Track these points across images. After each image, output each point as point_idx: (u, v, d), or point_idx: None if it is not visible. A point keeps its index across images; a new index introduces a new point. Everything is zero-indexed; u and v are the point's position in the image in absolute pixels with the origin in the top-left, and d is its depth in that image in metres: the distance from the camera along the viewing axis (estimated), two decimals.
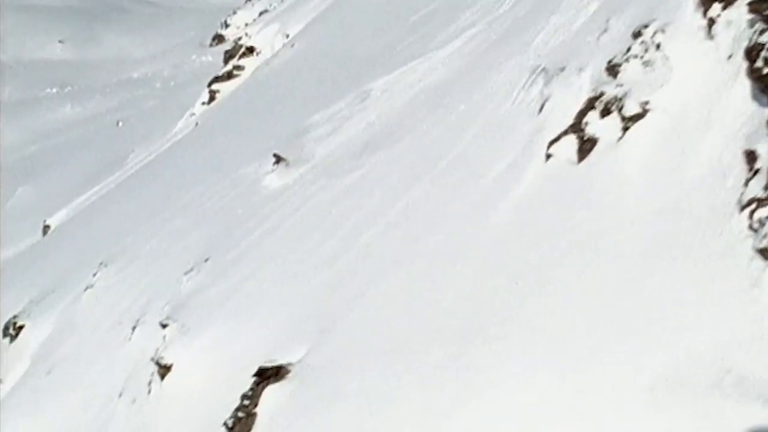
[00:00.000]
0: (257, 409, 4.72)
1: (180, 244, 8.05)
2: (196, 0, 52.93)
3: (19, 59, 42.23)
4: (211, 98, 20.82)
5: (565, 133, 4.40)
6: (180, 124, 21.14)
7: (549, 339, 3.64)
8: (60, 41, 43.96)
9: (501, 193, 4.55)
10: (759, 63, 3.56)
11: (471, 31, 7.20)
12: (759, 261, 3.17)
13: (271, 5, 34.79)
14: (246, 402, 4.80)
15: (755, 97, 3.58)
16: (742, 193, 3.39)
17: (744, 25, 3.75)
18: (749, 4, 3.74)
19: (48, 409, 7.82)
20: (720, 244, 3.37)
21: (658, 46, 4.09)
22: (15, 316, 10.53)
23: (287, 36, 19.56)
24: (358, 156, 6.65)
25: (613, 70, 4.29)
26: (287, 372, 4.67)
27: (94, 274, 9.30)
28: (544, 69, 5.12)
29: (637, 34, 4.24)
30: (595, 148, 4.19)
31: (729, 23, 3.84)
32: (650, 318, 3.37)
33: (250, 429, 4.68)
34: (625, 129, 4.07)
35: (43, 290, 10.75)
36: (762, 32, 3.58)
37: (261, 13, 32.49)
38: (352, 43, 11.78)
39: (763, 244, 3.18)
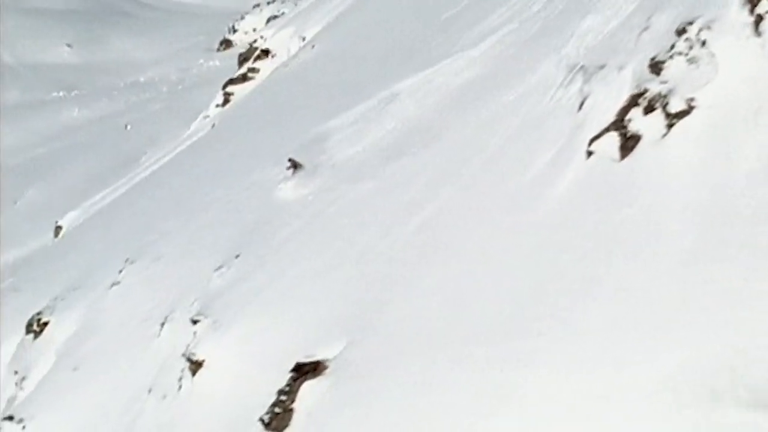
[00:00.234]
0: (294, 405, 4.72)
1: (207, 241, 8.05)
2: (202, 5, 53.23)
3: (25, 63, 42.51)
4: (226, 101, 20.96)
5: (607, 130, 4.37)
6: (194, 126, 21.28)
7: (590, 338, 3.63)
8: (68, 45, 44.21)
9: (542, 190, 4.53)
10: None
11: (502, 30, 7.16)
12: None
13: (279, 11, 35.08)
14: (283, 398, 4.79)
15: None
16: None
17: None
18: None
19: (75, 404, 7.84)
20: (766, 245, 3.35)
21: (703, 43, 4.06)
22: (39, 313, 10.53)
23: (303, 39, 19.59)
24: (388, 157, 6.63)
25: (656, 67, 4.26)
26: (325, 367, 4.66)
27: (120, 271, 9.32)
28: (582, 67, 5.10)
29: (681, 32, 4.21)
30: (639, 145, 4.16)
31: None
32: (692, 319, 3.34)
33: (287, 425, 4.68)
34: (670, 126, 4.04)
35: (67, 287, 10.78)
36: None
37: (269, 19, 32.80)
38: (376, 43, 11.74)
39: None
